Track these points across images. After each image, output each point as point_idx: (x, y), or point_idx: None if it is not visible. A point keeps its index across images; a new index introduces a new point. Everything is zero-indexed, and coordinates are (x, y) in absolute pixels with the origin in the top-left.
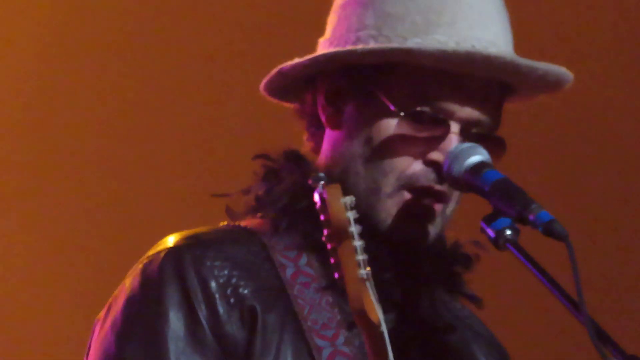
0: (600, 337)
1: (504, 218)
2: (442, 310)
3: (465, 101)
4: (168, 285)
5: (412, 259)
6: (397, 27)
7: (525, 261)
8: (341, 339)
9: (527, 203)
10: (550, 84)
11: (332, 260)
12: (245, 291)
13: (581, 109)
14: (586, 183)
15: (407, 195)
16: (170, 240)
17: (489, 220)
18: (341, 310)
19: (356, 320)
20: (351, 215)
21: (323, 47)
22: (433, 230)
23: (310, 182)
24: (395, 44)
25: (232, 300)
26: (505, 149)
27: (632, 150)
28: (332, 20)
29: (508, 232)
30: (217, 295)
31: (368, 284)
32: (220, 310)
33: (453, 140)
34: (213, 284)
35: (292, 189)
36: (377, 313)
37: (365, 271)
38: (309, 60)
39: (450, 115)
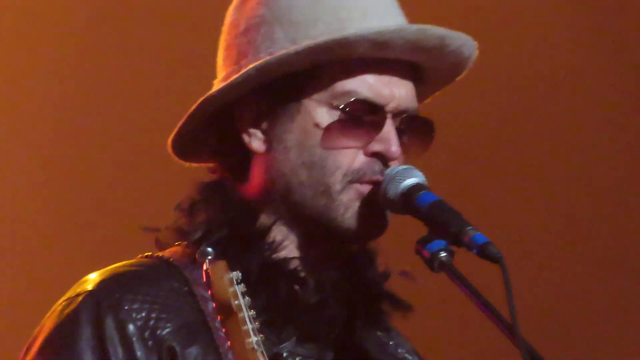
0: (534, 359)
1: (439, 240)
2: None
3: (392, 87)
4: (84, 330)
5: (350, 281)
6: (310, 32)
7: (460, 283)
8: None
9: (462, 225)
10: (463, 58)
11: (223, 331)
12: (165, 332)
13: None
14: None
15: (359, 187)
16: (90, 281)
17: (425, 242)
18: (264, 342)
19: None
20: (238, 289)
21: (227, 81)
22: (388, 217)
23: (196, 256)
24: (317, 41)
25: (150, 342)
26: (434, 130)
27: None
28: (230, 53)
29: (443, 254)
30: (134, 339)
31: (259, 353)
32: (138, 353)
33: (389, 127)
34: (131, 328)
35: (211, 220)
36: None
37: (255, 339)
38: (239, 78)
39: (384, 104)
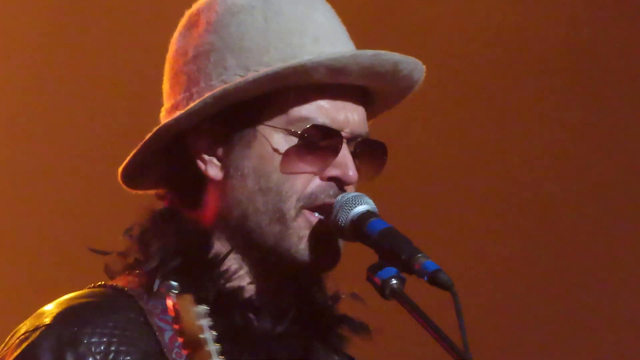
0: None
1: (390, 267)
2: None
3: (346, 112)
4: None
5: (305, 308)
6: (263, 58)
7: (411, 310)
8: None
9: (412, 252)
10: (412, 82)
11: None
12: None
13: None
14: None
15: (307, 214)
16: (46, 314)
17: (376, 269)
18: None
19: None
20: (205, 322)
21: (175, 111)
22: (341, 246)
23: (162, 290)
24: (275, 68)
25: None
26: (386, 154)
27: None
28: (179, 80)
29: (394, 281)
30: None
31: None
32: None
33: (345, 152)
34: None
35: (165, 249)
36: None
37: None
38: (196, 106)
39: (337, 128)
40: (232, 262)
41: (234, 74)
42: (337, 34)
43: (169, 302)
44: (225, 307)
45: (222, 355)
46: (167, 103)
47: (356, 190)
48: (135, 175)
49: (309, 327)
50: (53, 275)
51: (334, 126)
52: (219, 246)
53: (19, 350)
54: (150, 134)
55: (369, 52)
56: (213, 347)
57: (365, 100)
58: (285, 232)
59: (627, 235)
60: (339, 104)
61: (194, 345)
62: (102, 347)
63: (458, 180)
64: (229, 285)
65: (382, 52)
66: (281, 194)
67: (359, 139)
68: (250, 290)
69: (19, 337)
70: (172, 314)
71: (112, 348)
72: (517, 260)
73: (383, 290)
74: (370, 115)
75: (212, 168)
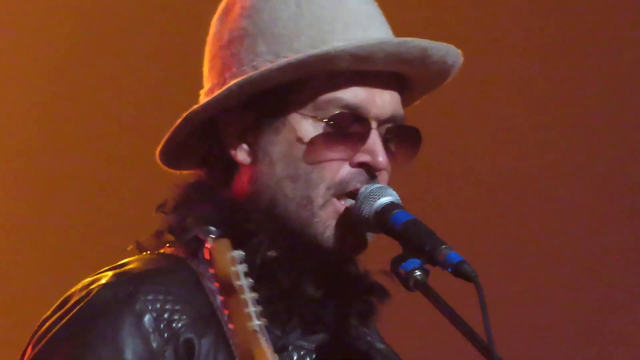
0: None
1: (413, 259)
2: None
3: (376, 97)
4: (100, 323)
5: (340, 280)
6: (294, 44)
7: (435, 302)
8: None
9: (436, 244)
10: (446, 66)
11: (226, 312)
12: (180, 324)
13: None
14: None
15: (335, 203)
16: (102, 276)
17: (399, 261)
18: (270, 333)
19: None
20: (240, 268)
21: (211, 94)
22: (369, 236)
23: (200, 235)
24: (300, 56)
25: (166, 334)
26: (420, 139)
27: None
28: (214, 64)
29: (417, 273)
30: (150, 330)
31: (261, 336)
32: (154, 345)
33: (374, 137)
34: (147, 319)
35: (204, 218)
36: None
37: (257, 322)
38: (221, 94)
39: (366, 114)
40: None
41: (264, 60)
42: (370, 19)
43: (206, 246)
44: (271, 271)
45: (259, 305)
46: (205, 86)
47: (389, 176)
48: (173, 155)
49: (346, 295)
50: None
51: (363, 112)
52: (254, 222)
53: (74, 309)
54: (180, 119)
55: (395, 40)
56: (249, 295)
57: (400, 85)
58: (311, 219)
59: None
60: (369, 89)
61: (229, 290)
62: (158, 305)
63: (485, 174)
64: (269, 253)
65: (410, 39)
66: (310, 182)
67: (390, 124)
68: (288, 262)
69: (72, 296)
70: (207, 257)
71: (168, 307)
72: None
73: (407, 282)
74: (411, 99)
75: (242, 153)
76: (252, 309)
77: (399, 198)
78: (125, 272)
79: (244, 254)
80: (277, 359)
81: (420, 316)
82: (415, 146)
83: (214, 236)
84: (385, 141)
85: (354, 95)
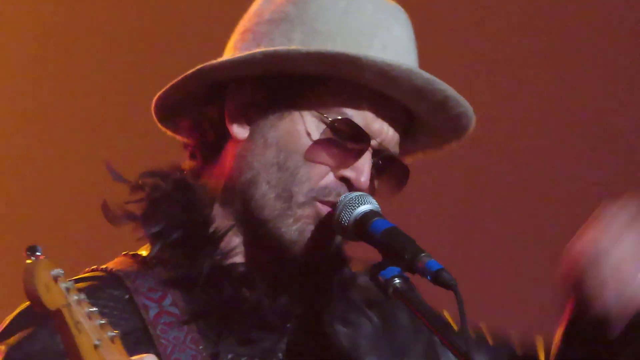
0: None
1: (393, 267)
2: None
3: (383, 124)
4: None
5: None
6: (328, 44)
7: (414, 310)
8: None
9: (415, 252)
10: (459, 125)
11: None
12: None
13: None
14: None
15: (318, 206)
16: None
17: (378, 268)
18: (206, 346)
19: None
20: (64, 285)
21: (238, 49)
22: (336, 243)
23: (25, 252)
24: (331, 50)
25: None
26: (408, 177)
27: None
28: (244, 37)
29: (397, 281)
30: None
31: (104, 348)
32: None
33: (366, 157)
34: None
35: (169, 219)
36: None
37: (98, 336)
38: (244, 57)
39: (371, 138)
40: (233, 237)
41: (295, 48)
42: (407, 51)
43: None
44: (217, 281)
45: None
46: (225, 54)
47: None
48: (169, 113)
49: (314, 296)
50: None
51: (367, 131)
52: (222, 218)
53: (5, 323)
54: (192, 70)
55: (425, 75)
56: (88, 310)
57: (407, 125)
58: (286, 212)
59: None
60: (380, 113)
61: (58, 314)
62: None
63: (463, 180)
64: (225, 261)
65: (438, 80)
66: (294, 177)
67: (385, 153)
68: (246, 265)
69: (11, 318)
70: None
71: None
72: (523, 260)
73: (386, 289)
74: (411, 148)
75: (239, 127)
76: (91, 325)
77: (378, 206)
78: None
79: (62, 271)
80: None
81: None
82: (401, 182)
83: (39, 253)
84: (375, 168)
85: (365, 113)
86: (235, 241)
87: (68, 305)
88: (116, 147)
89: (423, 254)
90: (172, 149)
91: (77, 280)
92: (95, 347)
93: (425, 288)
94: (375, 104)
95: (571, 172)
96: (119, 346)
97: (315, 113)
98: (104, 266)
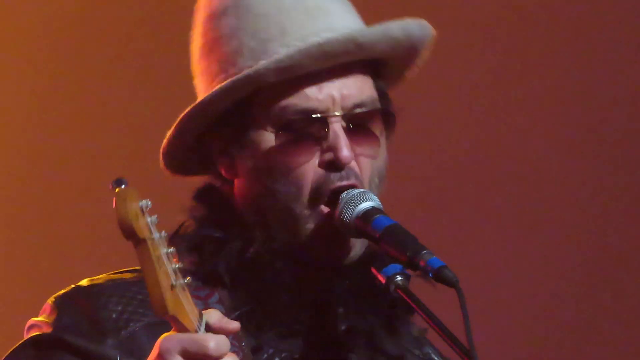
0: None
1: (395, 264)
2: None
3: (332, 92)
4: (65, 317)
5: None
6: (239, 61)
7: (416, 307)
8: None
9: (417, 249)
10: (409, 43)
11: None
12: (139, 324)
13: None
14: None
15: (324, 209)
16: (81, 282)
17: (380, 266)
18: (248, 342)
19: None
20: (149, 219)
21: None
22: (355, 241)
23: (110, 187)
24: (229, 81)
25: (122, 332)
26: (394, 120)
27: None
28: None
29: (399, 278)
30: (107, 325)
31: (178, 291)
32: (108, 341)
33: (334, 132)
34: (105, 314)
35: (198, 220)
36: (192, 319)
37: (176, 280)
38: (175, 129)
39: (326, 111)
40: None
41: (218, 81)
42: (309, 12)
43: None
44: (255, 270)
45: (177, 262)
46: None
47: (373, 166)
48: (179, 161)
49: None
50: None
51: (319, 111)
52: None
53: (49, 306)
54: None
55: (316, 42)
56: (164, 251)
57: (369, 66)
58: (296, 229)
59: None
60: (322, 85)
61: (138, 243)
62: (119, 308)
63: (466, 177)
64: (262, 257)
65: (334, 37)
66: (288, 195)
67: (359, 110)
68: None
69: (54, 295)
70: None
71: (129, 309)
72: (525, 260)
73: (388, 287)
74: (397, 73)
75: (226, 169)
76: (169, 266)
77: (380, 203)
78: (100, 279)
79: (149, 203)
80: (198, 321)
81: None
82: (390, 127)
83: (124, 185)
84: (353, 131)
85: (305, 97)
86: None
87: (152, 239)
88: (116, 147)
89: (425, 252)
90: None
91: (117, 274)
92: (172, 286)
93: (425, 291)
94: (312, 80)
95: (571, 172)
96: (188, 295)
97: (265, 128)
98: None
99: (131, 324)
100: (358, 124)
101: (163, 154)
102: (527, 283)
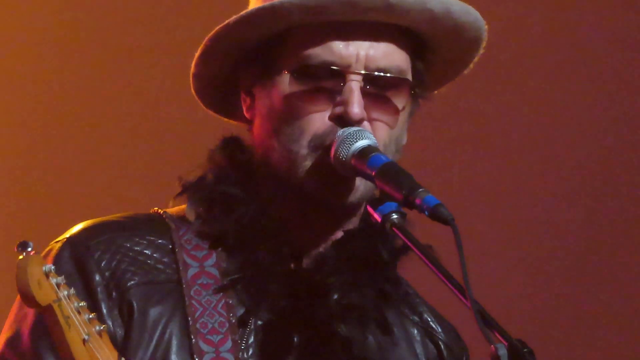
0: (486, 321)
1: (390, 202)
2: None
3: (358, 49)
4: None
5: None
6: None
7: (411, 245)
8: (227, 344)
9: (413, 187)
10: (451, 23)
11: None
12: (130, 283)
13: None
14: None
15: (324, 155)
16: (74, 229)
17: (376, 204)
18: (235, 315)
19: None
20: (54, 281)
21: None
22: (355, 181)
23: (15, 249)
24: (252, 9)
25: (114, 294)
26: (407, 89)
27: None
28: None
29: (394, 216)
30: (99, 289)
31: (92, 342)
32: (102, 305)
33: (350, 88)
34: (97, 278)
35: (213, 171)
36: None
37: (86, 331)
38: (201, 50)
39: (347, 66)
40: (270, 191)
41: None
42: None
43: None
44: (253, 238)
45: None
46: None
47: (390, 133)
48: (209, 91)
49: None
50: None
51: (338, 63)
52: (261, 180)
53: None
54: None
55: None
56: (76, 305)
57: (403, 37)
58: (296, 170)
59: None
60: (350, 43)
61: (48, 308)
62: (113, 264)
63: (464, 180)
64: (262, 217)
65: None
66: (290, 137)
67: (375, 74)
68: (282, 218)
69: (47, 249)
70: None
71: (122, 266)
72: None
73: (383, 224)
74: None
75: (247, 108)
76: (81, 321)
77: (376, 141)
78: (91, 227)
79: (52, 267)
80: None
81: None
82: (403, 96)
83: (30, 249)
84: (370, 93)
85: (329, 50)
86: (272, 194)
87: (59, 300)
88: (116, 146)
89: (421, 190)
90: (175, 149)
91: (126, 217)
92: (84, 341)
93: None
94: (343, 33)
95: (573, 173)
96: (106, 340)
97: (287, 71)
98: (163, 210)
99: (124, 283)
100: (379, 89)
101: (192, 74)
102: (530, 282)
